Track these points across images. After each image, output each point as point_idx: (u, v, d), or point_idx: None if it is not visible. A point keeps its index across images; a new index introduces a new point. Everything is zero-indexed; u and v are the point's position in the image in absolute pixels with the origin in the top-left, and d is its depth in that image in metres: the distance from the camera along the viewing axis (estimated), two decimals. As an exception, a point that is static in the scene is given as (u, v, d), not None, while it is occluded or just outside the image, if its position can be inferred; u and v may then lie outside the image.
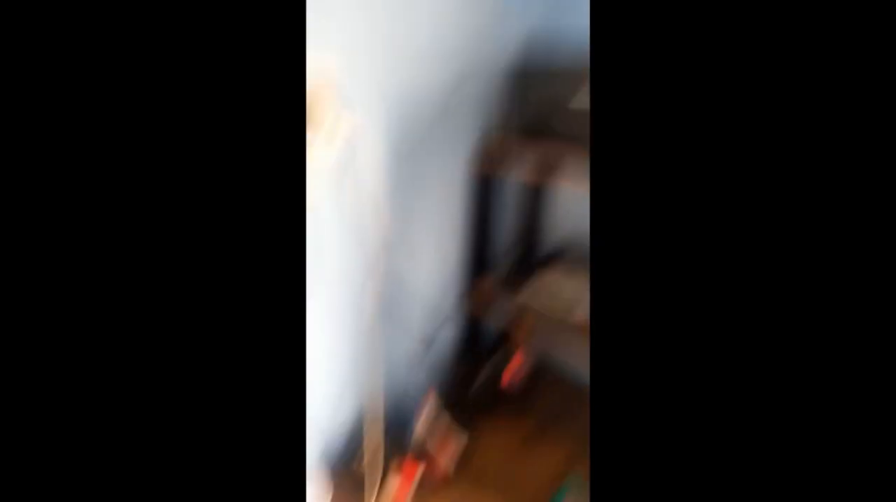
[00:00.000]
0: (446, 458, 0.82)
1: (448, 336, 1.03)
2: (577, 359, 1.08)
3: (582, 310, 0.82)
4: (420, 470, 0.78)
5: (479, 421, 0.93)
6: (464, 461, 0.84)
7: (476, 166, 0.89)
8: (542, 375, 1.07)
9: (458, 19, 0.75)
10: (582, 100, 0.71)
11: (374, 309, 0.81)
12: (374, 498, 0.73)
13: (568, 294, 0.87)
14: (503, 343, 1.06)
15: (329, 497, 0.69)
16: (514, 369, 1.02)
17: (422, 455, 0.82)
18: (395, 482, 0.76)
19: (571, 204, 1.01)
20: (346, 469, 0.85)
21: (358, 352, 0.83)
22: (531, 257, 1.05)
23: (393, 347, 0.90)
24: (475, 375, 1.00)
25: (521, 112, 0.82)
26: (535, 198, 1.01)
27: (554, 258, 1.00)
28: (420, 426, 0.85)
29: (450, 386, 1.01)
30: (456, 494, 0.79)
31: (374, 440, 0.76)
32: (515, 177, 0.98)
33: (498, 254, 1.02)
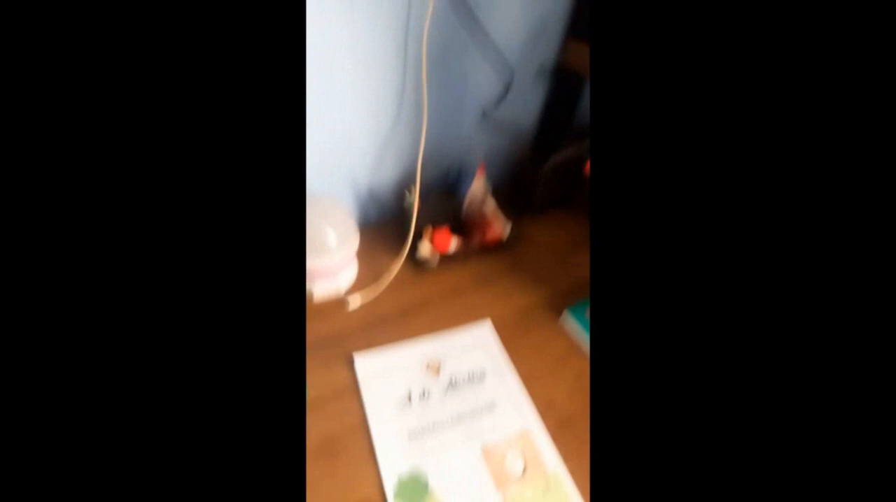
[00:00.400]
0: (498, 226, 0.76)
1: (519, 111, 0.84)
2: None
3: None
4: (454, 241, 0.73)
5: (542, 206, 0.84)
6: (517, 234, 0.78)
7: None
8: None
9: None
10: None
11: (429, 52, 0.63)
12: (408, 244, 0.71)
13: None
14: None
15: (356, 239, 0.66)
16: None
17: (470, 219, 0.76)
18: (429, 238, 0.72)
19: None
20: (390, 220, 0.82)
21: (405, 101, 0.69)
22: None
23: (452, 103, 0.75)
24: (552, 157, 0.85)
25: None
26: None
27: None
28: (470, 192, 0.76)
29: (517, 163, 0.88)
30: (508, 258, 0.76)
31: (417, 192, 0.69)
32: None
33: None
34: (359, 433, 0.51)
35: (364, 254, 0.72)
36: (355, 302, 0.65)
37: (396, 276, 0.70)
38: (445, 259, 0.74)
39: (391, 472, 0.48)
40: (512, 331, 0.64)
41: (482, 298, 0.69)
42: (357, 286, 0.69)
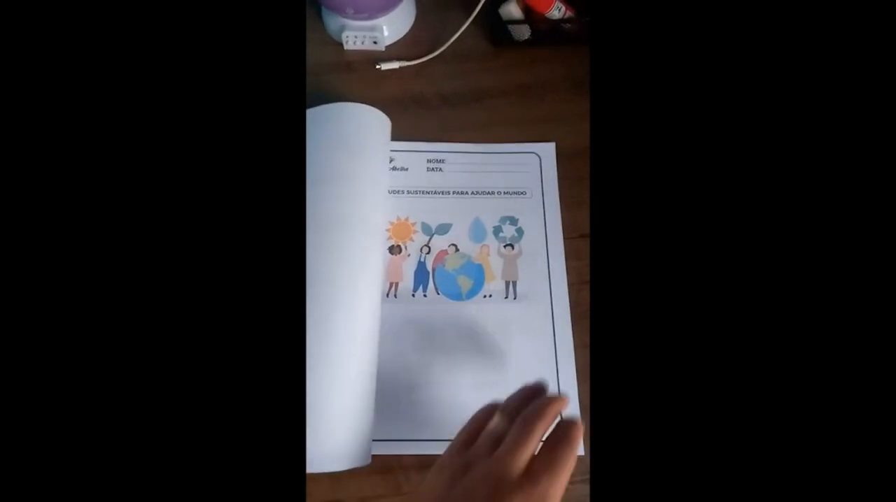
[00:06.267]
0: None
1: None
2: None
3: None
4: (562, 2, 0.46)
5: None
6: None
7: None
8: None
9: None
10: None
11: None
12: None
13: None
14: None
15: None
16: None
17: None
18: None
19: None
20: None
21: None
22: None
23: None
24: None
25: None
26: None
27: None
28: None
29: None
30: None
31: None
32: None
33: None
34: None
35: (426, 4, 0.52)
36: (389, 66, 0.49)
37: (459, 45, 0.50)
38: (540, 33, 0.49)
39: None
40: (584, 169, 0.45)
41: (565, 108, 0.48)
42: (403, 47, 0.51)
